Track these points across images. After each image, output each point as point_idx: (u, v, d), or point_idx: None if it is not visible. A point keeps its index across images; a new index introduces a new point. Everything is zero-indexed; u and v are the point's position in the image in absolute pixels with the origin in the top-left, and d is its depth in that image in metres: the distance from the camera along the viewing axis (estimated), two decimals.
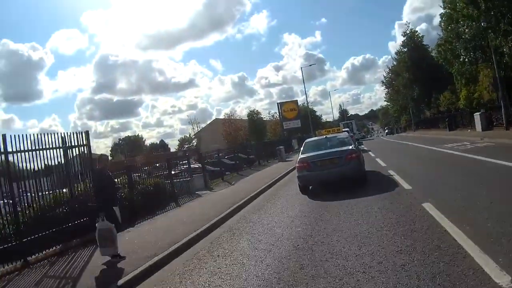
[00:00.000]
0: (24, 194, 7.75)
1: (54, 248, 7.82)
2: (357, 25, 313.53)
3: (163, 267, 6.28)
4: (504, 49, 23.78)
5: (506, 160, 10.40)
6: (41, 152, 8.07)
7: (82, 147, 9.27)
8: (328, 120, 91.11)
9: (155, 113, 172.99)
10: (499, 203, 6.10)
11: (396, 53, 59.06)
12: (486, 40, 26.30)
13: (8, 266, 6.90)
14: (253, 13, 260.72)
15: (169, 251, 6.89)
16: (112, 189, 7.12)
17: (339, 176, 9.94)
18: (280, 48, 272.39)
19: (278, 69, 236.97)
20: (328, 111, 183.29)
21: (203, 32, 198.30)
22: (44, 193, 8.21)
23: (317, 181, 10.65)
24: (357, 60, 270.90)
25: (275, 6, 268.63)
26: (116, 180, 9.75)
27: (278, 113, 47.73)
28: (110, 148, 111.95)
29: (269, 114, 56.71)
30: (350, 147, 10.79)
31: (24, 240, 7.25)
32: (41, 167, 8.12)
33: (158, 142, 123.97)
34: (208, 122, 72.10)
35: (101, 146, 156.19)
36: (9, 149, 7.33)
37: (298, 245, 5.87)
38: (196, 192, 15.76)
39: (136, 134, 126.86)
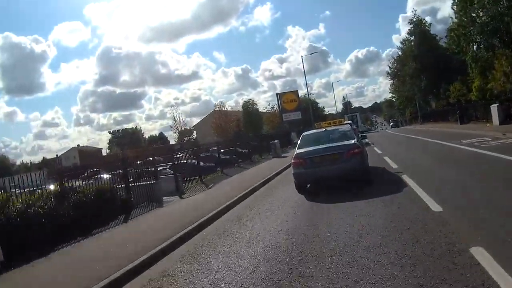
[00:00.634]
0: None
1: None
2: (361, 18, 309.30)
3: None
4: None
5: None
6: None
7: None
8: (331, 112, 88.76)
9: (158, 105, 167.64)
10: None
11: (402, 42, 56.17)
12: (505, 24, 23.62)
13: None
14: (257, 6, 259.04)
15: None
16: None
17: (340, 174, 9.01)
18: (283, 40, 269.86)
19: (281, 61, 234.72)
20: (332, 104, 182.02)
21: (207, 24, 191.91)
22: None
23: (315, 180, 9.69)
24: (361, 52, 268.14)
25: None
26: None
27: (277, 104, 45.33)
28: (108, 141, 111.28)
29: (269, 105, 54.21)
30: (352, 141, 9.72)
31: None
32: None
33: (157, 135, 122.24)
34: (208, 114, 69.32)
35: (104, 139, 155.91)
36: None
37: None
38: (164, 199, 13.18)
39: (135, 127, 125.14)
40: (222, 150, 25.78)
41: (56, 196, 8.21)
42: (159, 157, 23.42)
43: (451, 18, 29.29)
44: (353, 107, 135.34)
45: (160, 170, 17.01)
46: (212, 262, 5.44)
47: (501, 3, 22.01)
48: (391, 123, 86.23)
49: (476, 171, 9.70)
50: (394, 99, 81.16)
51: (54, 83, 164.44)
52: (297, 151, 9.98)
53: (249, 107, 42.71)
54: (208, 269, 5.17)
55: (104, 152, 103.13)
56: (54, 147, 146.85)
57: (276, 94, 45.51)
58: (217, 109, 43.38)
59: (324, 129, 12.02)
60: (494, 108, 24.49)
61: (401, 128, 63.10)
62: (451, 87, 39.96)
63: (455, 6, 29.16)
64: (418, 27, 47.81)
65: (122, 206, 10.99)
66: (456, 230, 4.97)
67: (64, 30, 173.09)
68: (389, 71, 65.37)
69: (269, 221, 7.45)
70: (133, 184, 12.52)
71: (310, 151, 9.60)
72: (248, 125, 41.24)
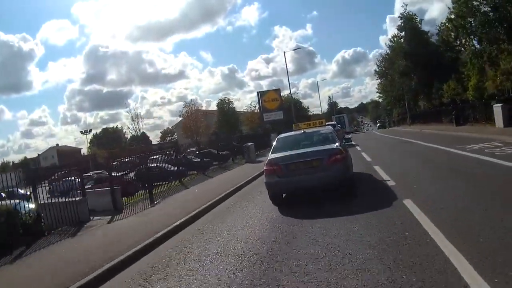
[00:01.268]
0: None
1: None
2: (348, 19, 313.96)
3: None
4: None
5: None
6: None
7: None
8: (316, 113, 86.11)
9: (144, 104, 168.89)
10: None
11: (391, 39, 53.13)
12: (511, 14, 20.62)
13: None
14: (244, 5, 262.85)
15: None
16: None
17: (319, 184, 7.92)
18: (270, 40, 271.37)
19: (268, 61, 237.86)
20: (318, 104, 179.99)
21: (194, 23, 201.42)
22: None
23: (290, 190, 8.65)
24: (347, 53, 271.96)
25: None
26: None
27: (258, 103, 42.05)
28: (89, 141, 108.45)
29: (250, 105, 50.74)
30: (335, 145, 8.62)
31: None
32: None
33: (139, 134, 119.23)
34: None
35: (89, 138, 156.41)
36: None
37: None
38: (94, 219, 10.63)
39: (115, 126, 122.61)
40: (197, 152, 24.34)
41: None
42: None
43: (448, 8, 26.31)
44: (339, 107, 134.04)
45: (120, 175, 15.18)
46: None
47: None
48: (378, 124, 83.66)
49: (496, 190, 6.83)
50: (381, 99, 78.29)
51: (41, 82, 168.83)
52: (271, 156, 8.73)
53: (224, 106, 38.92)
54: None
55: (84, 152, 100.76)
56: (41, 146, 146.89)
57: (257, 92, 42.24)
58: (186, 108, 39.36)
59: (302, 131, 10.46)
60: (497, 108, 21.48)
61: (389, 129, 60.39)
62: (444, 86, 37.02)
63: None
64: (409, 22, 44.77)
65: (30, 233, 8.68)
66: None
67: (52, 28, 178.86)
68: (377, 70, 62.46)
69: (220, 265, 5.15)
70: (47, 201, 10.02)
71: (285, 156, 8.39)
72: (223, 125, 37.52)
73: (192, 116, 36.69)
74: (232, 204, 10.13)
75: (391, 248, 4.68)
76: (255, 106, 48.58)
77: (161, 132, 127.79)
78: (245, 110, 44.68)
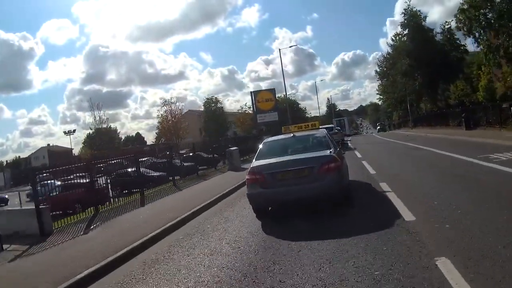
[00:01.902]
0: None
1: None
2: (349, 21, 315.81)
3: None
4: None
5: None
6: None
7: None
8: (315, 115, 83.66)
9: (144, 104, 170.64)
10: None
11: (393, 38, 50.40)
12: None
13: None
14: (245, 7, 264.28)
15: None
16: None
17: (309, 196, 6.85)
18: (270, 42, 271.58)
19: (268, 63, 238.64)
20: (317, 106, 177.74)
21: (194, 24, 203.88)
22: None
23: (276, 203, 7.41)
24: (347, 55, 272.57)
25: (266, 0, 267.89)
26: None
27: (251, 103, 39.26)
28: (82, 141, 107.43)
29: (245, 105, 47.76)
30: (329, 151, 7.51)
31: None
32: None
33: (134, 135, 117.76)
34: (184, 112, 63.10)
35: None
36: None
37: None
38: (7, 248, 8.44)
39: (108, 126, 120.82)
40: (184, 156, 23.07)
41: None
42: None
43: None
44: (338, 109, 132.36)
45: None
46: None
47: None
48: (378, 127, 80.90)
49: None
50: (381, 102, 75.52)
51: (41, 81, 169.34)
52: (254, 163, 7.71)
53: (211, 106, 35.78)
54: None
55: (76, 152, 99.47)
56: (40, 145, 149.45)
57: (250, 92, 39.46)
58: (163, 108, 35.98)
59: (292, 135, 9.28)
60: None
61: (389, 132, 57.66)
62: (451, 86, 34.25)
63: None
64: (413, 19, 41.93)
65: None
66: None
67: (52, 27, 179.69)
68: (378, 70, 59.74)
69: None
70: None
71: (270, 164, 7.40)
72: (210, 126, 34.48)
73: (170, 117, 33.41)
74: (198, 226, 8.10)
75: None
76: (249, 107, 46.02)
77: (156, 133, 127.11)
78: (237, 111, 41.82)
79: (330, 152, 7.52)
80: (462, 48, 41.38)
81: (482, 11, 21.86)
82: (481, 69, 29.14)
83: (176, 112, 33.37)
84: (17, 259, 7.45)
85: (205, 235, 7.06)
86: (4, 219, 10.29)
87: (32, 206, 9.92)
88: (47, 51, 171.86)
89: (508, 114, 21.25)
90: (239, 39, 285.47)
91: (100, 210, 11.50)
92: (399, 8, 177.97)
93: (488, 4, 21.51)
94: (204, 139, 33.32)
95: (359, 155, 18.11)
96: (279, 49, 46.99)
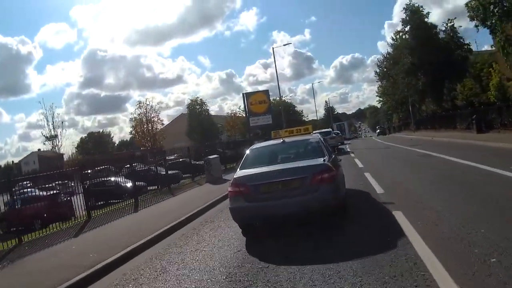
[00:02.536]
0: None
1: None
2: (347, 24, 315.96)
3: None
4: None
5: None
6: None
7: None
8: (313, 118, 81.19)
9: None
10: None
11: (393, 38, 47.69)
12: None
13: None
14: (243, 10, 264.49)
15: None
16: None
17: (300, 210, 6.04)
18: (268, 45, 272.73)
19: (266, 66, 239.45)
20: (316, 110, 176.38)
21: (192, 28, 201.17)
22: None
23: (262, 218, 6.44)
24: (345, 59, 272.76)
25: (264, 4, 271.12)
26: None
27: (244, 106, 36.70)
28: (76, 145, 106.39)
29: (238, 108, 44.98)
30: (322, 159, 6.69)
31: None
32: None
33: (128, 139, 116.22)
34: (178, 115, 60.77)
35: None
36: None
37: None
38: None
39: (101, 131, 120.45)
40: (171, 162, 21.58)
41: None
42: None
43: None
44: (336, 113, 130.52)
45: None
46: None
47: None
48: (378, 130, 78.34)
49: None
50: (381, 104, 72.79)
51: (39, 85, 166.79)
52: (238, 173, 6.84)
53: (196, 108, 32.86)
54: None
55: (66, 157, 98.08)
56: (37, 149, 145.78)
57: (242, 94, 36.83)
58: (137, 111, 32.96)
59: (282, 140, 8.29)
60: None
61: (390, 136, 55.12)
62: (458, 86, 31.62)
63: None
64: (415, 14, 39.28)
65: None
66: None
67: (50, 31, 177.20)
68: (378, 71, 57.09)
69: None
70: None
71: (255, 174, 6.49)
72: (195, 130, 31.68)
73: (145, 120, 30.52)
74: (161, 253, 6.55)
75: None
76: (243, 110, 43.38)
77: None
78: (227, 114, 39.14)
79: (324, 160, 6.72)
80: (466, 47, 39.03)
81: None
82: (492, 66, 26.51)
83: (152, 115, 30.72)
84: None
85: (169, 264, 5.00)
86: None
87: None
88: (45, 55, 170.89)
89: None
90: (237, 42, 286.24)
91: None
92: (397, 10, 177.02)
93: None
94: (196, 144, 30.54)
95: (360, 164, 15.42)
96: (272, 47, 44.55)
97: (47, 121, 38.34)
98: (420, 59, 37.51)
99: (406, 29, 40.86)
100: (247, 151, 7.90)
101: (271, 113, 35.90)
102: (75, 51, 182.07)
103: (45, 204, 12.64)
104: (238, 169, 7.19)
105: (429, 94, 39.58)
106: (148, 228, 8.36)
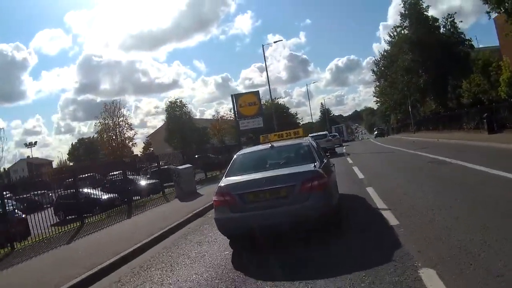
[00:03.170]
0: None
1: None
2: (342, 27, 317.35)
3: None
4: None
5: None
6: None
7: None
8: (308, 121, 78.99)
9: (138, 114, 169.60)
10: None
11: (390, 34, 45.23)
12: None
13: None
14: (238, 14, 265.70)
15: None
16: None
17: (289, 220, 5.68)
18: (264, 49, 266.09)
19: (261, 70, 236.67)
20: (312, 113, 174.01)
21: (187, 32, 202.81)
22: None
23: (249, 229, 5.87)
24: (341, 61, 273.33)
25: (259, 7, 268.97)
26: None
27: (233, 109, 34.04)
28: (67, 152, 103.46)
29: (230, 111, 42.21)
30: (313, 165, 6.29)
31: None
32: None
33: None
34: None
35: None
36: None
37: None
38: None
39: (92, 136, 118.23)
40: (153, 170, 20.37)
41: None
42: None
43: None
44: (332, 115, 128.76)
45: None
46: None
47: None
48: (375, 132, 76.02)
49: None
50: (378, 104, 70.23)
51: (35, 91, 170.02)
52: (223, 181, 6.50)
53: (176, 111, 29.97)
54: None
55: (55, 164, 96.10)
56: (35, 156, 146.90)
57: (231, 95, 34.13)
58: (106, 113, 30.12)
59: (270, 145, 7.61)
60: None
61: (389, 138, 52.73)
62: (464, 82, 29.10)
63: None
64: (414, 7, 36.78)
65: None
66: None
67: (45, 37, 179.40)
68: (375, 70, 54.62)
69: None
70: None
71: (241, 182, 6.18)
72: (174, 135, 28.88)
73: (112, 125, 27.72)
74: None
75: None
76: (234, 113, 40.77)
77: (144, 143, 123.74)
78: (212, 117, 36.51)
79: (315, 166, 6.27)
80: (467, 43, 36.77)
81: None
82: (502, 60, 24.12)
83: (120, 119, 27.83)
84: None
85: None
86: None
87: None
88: (40, 61, 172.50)
89: None
90: (233, 46, 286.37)
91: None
92: (392, 12, 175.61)
93: None
94: (175, 151, 27.91)
95: (360, 175, 12.72)
96: (262, 45, 41.93)
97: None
98: (422, 55, 35.03)
99: (405, 23, 38.43)
100: (234, 157, 7.45)
101: (262, 116, 33.47)
102: (70, 57, 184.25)
103: None
104: (224, 177, 6.79)
105: (431, 92, 37.02)
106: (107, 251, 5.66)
